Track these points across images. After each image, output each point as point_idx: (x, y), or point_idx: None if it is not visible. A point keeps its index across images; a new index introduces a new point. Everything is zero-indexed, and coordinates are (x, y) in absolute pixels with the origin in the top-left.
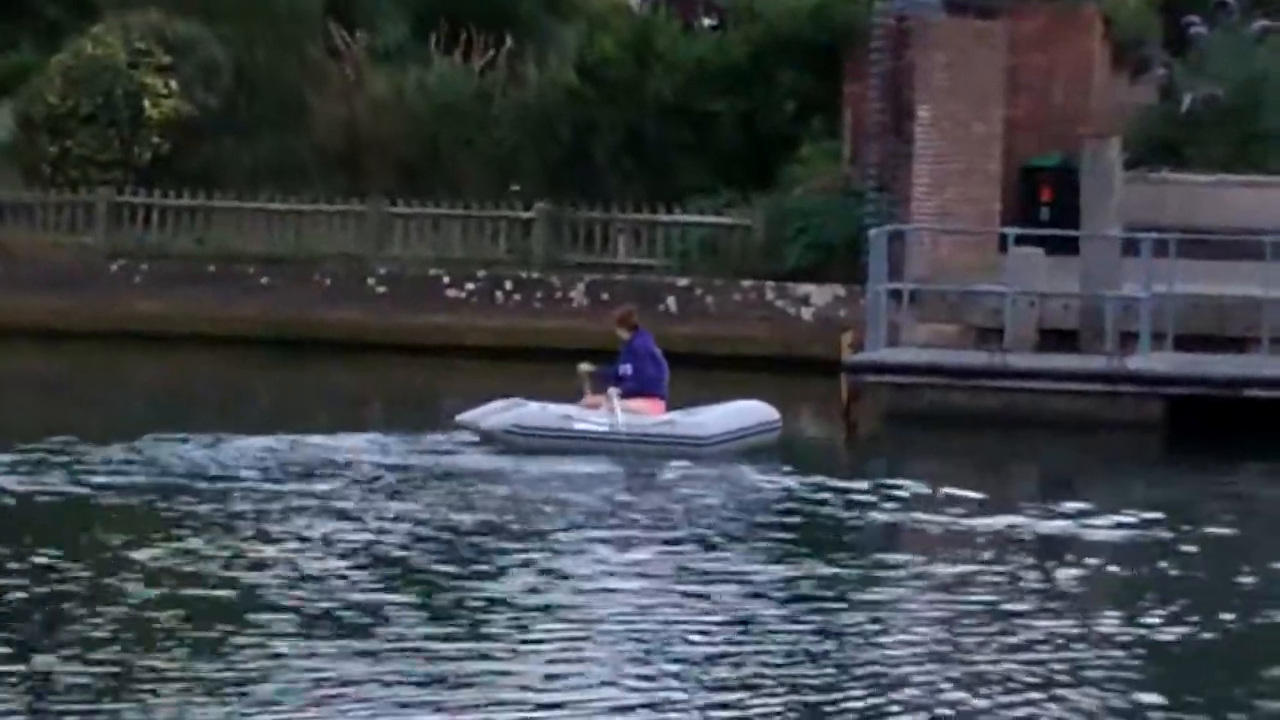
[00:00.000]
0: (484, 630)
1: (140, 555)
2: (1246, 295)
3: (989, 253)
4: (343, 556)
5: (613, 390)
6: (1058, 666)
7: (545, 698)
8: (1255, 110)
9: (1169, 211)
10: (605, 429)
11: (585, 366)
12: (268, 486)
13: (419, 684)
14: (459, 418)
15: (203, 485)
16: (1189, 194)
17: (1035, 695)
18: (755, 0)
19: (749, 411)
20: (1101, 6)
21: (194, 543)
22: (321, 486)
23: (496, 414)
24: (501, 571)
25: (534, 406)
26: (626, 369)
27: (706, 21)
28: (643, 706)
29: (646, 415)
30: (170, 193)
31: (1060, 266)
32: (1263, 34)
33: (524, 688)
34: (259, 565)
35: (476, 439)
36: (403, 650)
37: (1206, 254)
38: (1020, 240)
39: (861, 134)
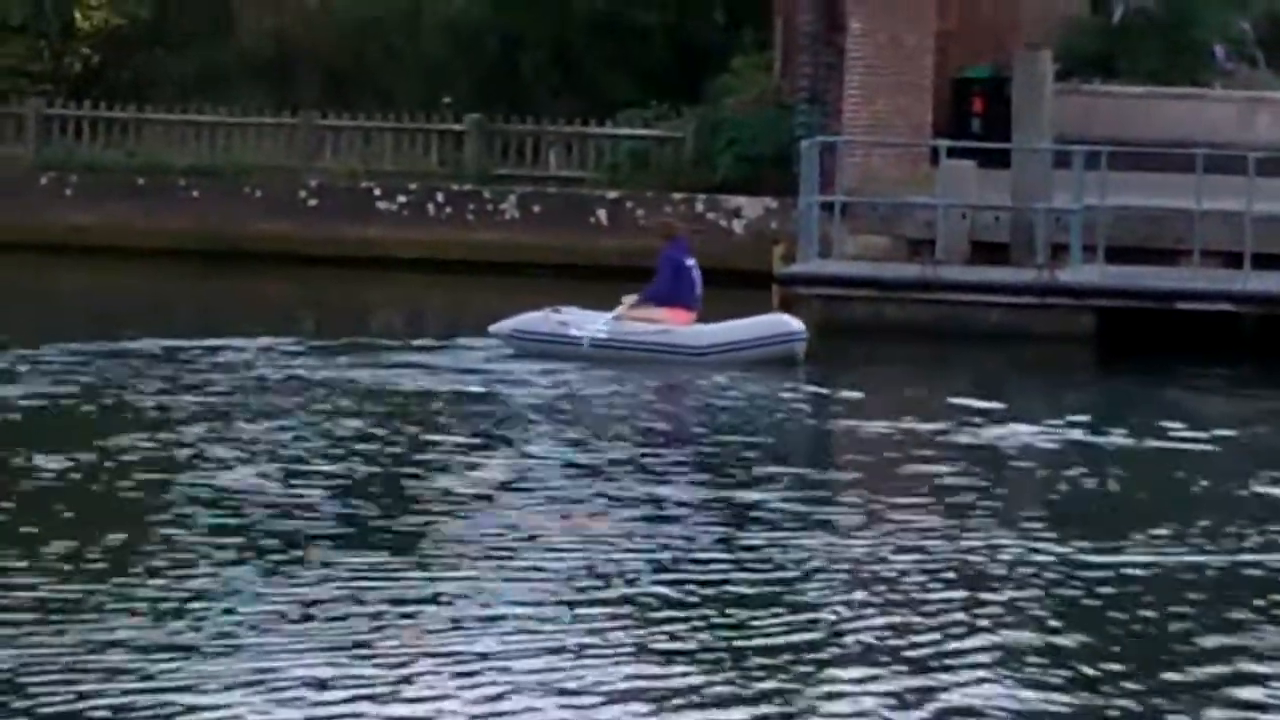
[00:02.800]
0: (431, 554)
1: (52, 466)
2: (1177, 208)
3: (920, 165)
4: (273, 474)
5: (627, 297)
6: (995, 570)
7: (495, 626)
8: (1186, 22)
9: (1100, 124)
10: (600, 335)
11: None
12: (185, 397)
13: (390, 604)
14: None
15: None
16: (1120, 106)
17: (980, 599)
18: None
19: (761, 324)
20: None
21: (98, 455)
22: (249, 396)
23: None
24: (437, 485)
25: (537, 313)
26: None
27: None
28: (591, 631)
29: (657, 324)
30: (100, 105)
31: (992, 179)
32: None
33: (455, 621)
34: (164, 479)
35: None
36: (364, 575)
37: (1138, 166)
38: (952, 152)
39: (792, 45)
